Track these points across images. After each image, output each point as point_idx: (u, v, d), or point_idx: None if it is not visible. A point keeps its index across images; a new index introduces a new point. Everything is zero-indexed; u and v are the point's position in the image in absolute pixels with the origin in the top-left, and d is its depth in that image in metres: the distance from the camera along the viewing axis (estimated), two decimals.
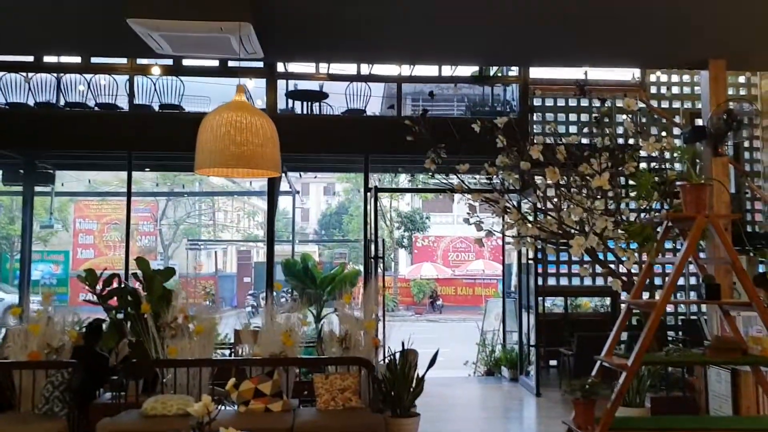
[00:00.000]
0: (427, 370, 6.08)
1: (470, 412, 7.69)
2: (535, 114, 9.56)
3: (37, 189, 11.09)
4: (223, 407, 4.99)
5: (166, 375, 5.67)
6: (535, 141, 6.38)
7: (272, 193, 9.76)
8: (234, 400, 5.39)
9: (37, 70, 9.14)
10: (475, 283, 27.21)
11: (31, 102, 9.11)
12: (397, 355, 6.11)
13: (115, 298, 6.05)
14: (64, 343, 5.62)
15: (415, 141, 6.43)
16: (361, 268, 12.83)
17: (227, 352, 7.96)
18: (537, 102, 9.65)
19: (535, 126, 9.55)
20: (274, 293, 6.90)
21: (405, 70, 9.63)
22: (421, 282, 27.37)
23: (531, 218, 6.50)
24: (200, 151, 4.78)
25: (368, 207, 9.55)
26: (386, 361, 6.21)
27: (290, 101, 10.09)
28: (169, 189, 25.21)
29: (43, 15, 6.31)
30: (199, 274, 26.01)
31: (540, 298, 8.92)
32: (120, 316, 6.24)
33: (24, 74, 9.08)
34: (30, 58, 9.09)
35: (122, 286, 6.13)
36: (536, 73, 9.65)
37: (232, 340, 8.04)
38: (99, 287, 5.97)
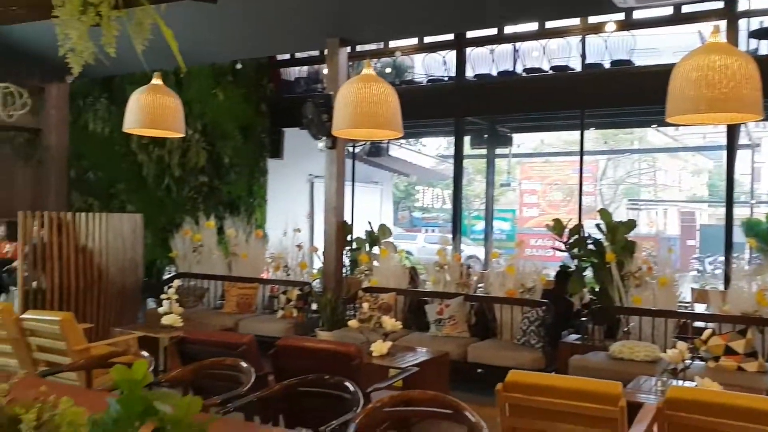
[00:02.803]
0: None
1: None
2: None
3: (497, 152, 12.35)
4: (691, 361, 4.91)
5: (629, 323, 5.83)
6: None
7: (731, 145, 8.97)
8: (702, 355, 5.26)
9: (498, 42, 10.11)
10: None
11: (494, 72, 10.14)
12: None
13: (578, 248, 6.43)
14: (535, 285, 6.24)
15: None
16: None
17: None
18: None
19: None
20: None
21: None
22: None
23: None
24: (671, 98, 4.69)
25: None
26: None
27: (754, 42, 9.08)
28: (609, 148, 25.20)
29: None
30: (638, 234, 25.48)
31: None
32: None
33: (488, 47, 10.15)
34: (493, 31, 10.09)
35: (587, 236, 6.46)
36: None
37: (687, 300, 7.81)
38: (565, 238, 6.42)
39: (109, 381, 4.56)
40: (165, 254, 9.77)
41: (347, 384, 3.23)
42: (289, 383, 3.33)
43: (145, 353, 3.98)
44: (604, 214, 6.30)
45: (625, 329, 5.84)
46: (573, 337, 6.13)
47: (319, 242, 8.26)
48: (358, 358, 3.87)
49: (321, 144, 11.88)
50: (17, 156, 9.99)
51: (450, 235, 10.35)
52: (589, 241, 6.41)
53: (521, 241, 6.97)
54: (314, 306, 7.35)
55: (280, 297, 7.42)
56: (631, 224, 6.26)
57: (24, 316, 5.24)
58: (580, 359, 5.40)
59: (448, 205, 24.85)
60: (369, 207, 14.75)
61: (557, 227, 6.40)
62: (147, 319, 7.85)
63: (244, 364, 3.60)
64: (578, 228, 6.46)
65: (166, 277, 9.53)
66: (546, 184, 24.77)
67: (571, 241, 6.40)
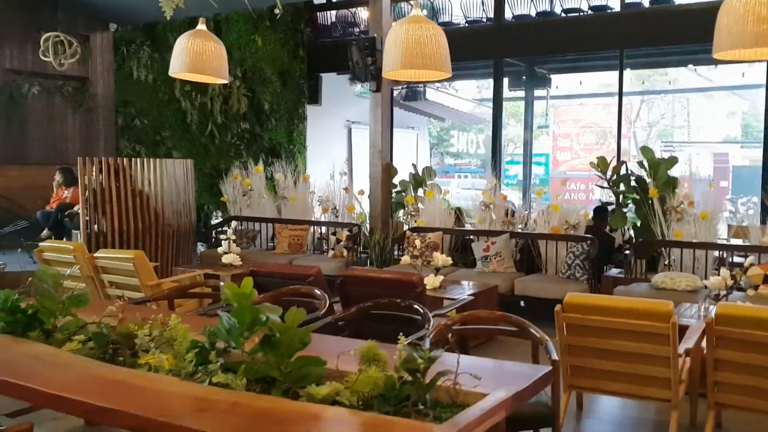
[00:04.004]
0: None
1: None
2: None
3: (536, 94, 12.36)
4: (732, 290, 5.11)
5: (670, 256, 6.04)
6: None
7: None
8: (742, 284, 5.46)
9: None
10: None
11: (532, 12, 10.11)
12: None
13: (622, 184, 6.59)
14: (579, 221, 6.45)
15: None
16: None
17: None
18: None
19: None
20: None
21: None
22: None
23: None
24: (718, 34, 4.77)
25: None
26: None
27: None
28: (643, 89, 24.81)
29: None
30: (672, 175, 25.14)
31: None
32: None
33: None
34: None
35: (630, 172, 6.62)
36: None
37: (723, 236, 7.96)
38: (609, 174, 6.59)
39: (187, 310, 4.95)
40: (211, 199, 10.14)
41: (417, 306, 3.52)
42: (363, 306, 3.63)
43: (222, 283, 4.32)
44: (647, 151, 6.43)
45: (667, 262, 6.06)
46: (615, 271, 6.36)
47: (359, 187, 8.53)
48: (420, 285, 4.15)
49: (358, 88, 11.96)
50: (67, 104, 10.33)
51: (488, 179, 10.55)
52: (631, 178, 6.58)
53: (565, 180, 7.16)
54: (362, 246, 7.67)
55: (330, 238, 7.74)
56: (672, 160, 6.40)
57: (97, 254, 5.62)
58: (624, 290, 5.64)
59: (482, 150, 24.76)
60: (406, 152, 14.86)
61: (602, 165, 6.56)
62: (201, 260, 8.26)
63: (318, 291, 3.92)
64: (621, 165, 6.62)
65: (214, 221, 9.93)
66: (580, 127, 24.52)
67: (614, 178, 6.57)
